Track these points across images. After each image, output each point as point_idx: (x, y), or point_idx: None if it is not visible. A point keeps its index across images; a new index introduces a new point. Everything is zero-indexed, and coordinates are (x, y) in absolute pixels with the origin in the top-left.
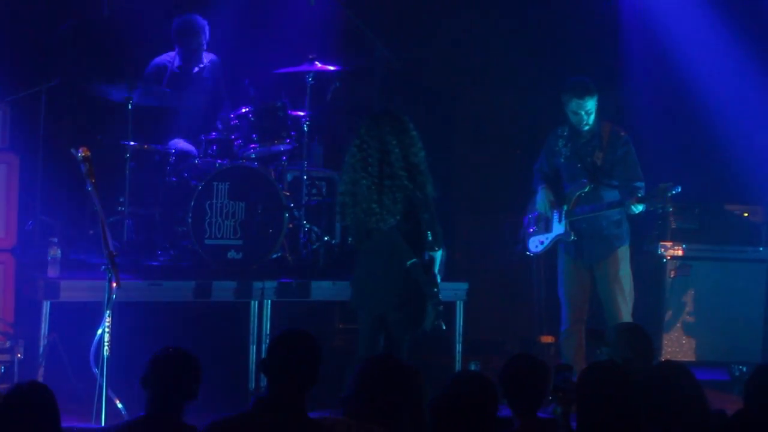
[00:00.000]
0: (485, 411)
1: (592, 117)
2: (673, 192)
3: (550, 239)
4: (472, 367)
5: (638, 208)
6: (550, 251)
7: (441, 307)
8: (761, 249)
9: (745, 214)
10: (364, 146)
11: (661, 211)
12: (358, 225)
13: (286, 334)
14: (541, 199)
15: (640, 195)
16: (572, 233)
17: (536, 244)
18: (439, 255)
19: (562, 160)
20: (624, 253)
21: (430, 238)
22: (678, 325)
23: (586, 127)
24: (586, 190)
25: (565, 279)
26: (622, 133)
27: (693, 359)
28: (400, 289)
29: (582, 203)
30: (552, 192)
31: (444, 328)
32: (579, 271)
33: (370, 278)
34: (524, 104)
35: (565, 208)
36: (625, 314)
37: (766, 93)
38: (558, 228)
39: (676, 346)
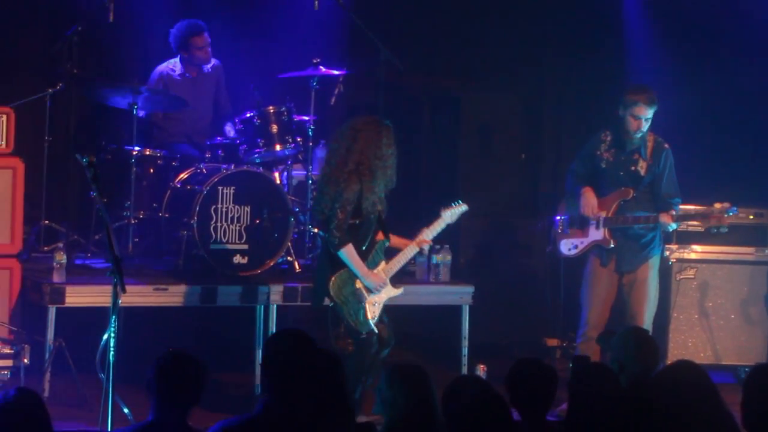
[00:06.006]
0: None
1: (647, 126)
2: (730, 213)
3: (586, 244)
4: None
5: (672, 226)
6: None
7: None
8: (767, 251)
9: (751, 217)
10: (334, 143)
11: (715, 231)
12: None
13: (277, 337)
14: (586, 200)
15: (672, 210)
16: (612, 240)
17: (569, 247)
18: (340, 254)
19: (604, 166)
20: (655, 261)
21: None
22: (684, 327)
23: (639, 134)
24: (629, 198)
25: (593, 283)
26: (666, 145)
27: (699, 361)
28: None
29: (623, 211)
30: (594, 194)
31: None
32: (608, 277)
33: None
34: (529, 108)
35: (603, 214)
36: (647, 321)
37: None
38: (596, 234)
39: (682, 348)
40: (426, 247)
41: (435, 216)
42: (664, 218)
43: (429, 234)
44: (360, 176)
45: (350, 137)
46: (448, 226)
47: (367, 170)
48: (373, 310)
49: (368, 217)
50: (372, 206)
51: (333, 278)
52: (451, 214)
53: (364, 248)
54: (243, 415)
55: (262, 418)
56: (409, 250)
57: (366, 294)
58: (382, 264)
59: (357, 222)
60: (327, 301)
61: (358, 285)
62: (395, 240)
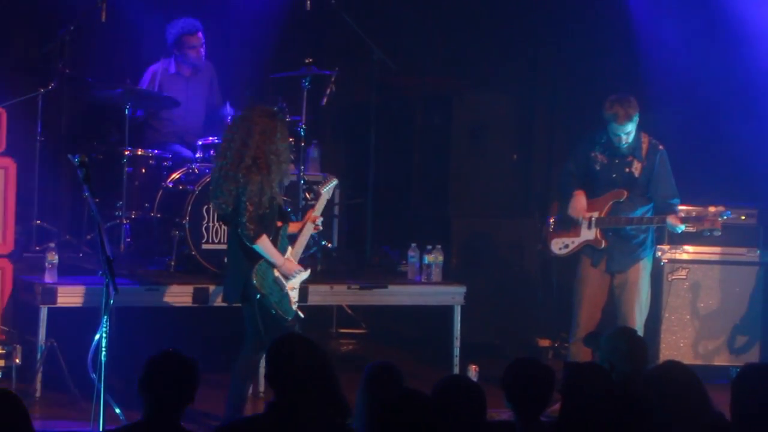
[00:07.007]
0: (469, 416)
1: (632, 135)
2: (724, 217)
3: (577, 243)
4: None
5: (680, 228)
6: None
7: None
8: (758, 251)
9: (743, 217)
10: (228, 134)
11: (709, 234)
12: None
13: (284, 340)
14: (575, 203)
15: (678, 212)
16: (603, 241)
17: (560, 246)
18: (256, 247)
19: (598, 168)
20: (647, 263)
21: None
22: (675, 327)
23: (626, 145)
24: (622, 200)
25: (585, 284)
26: (660, 147)
27: (690, 362)
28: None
29: (616, 212)
30: (585, 197)
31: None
32: (599, 278)
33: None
34: (521, 108)
35: (596, 214)
36: (639, 323)
37: (760, 97)
38: (587, 234)
39: (674, 348)
40: (319, 222)
41: (317, 195)
42: (672, 220)
43: (317, 210)
44: (258, 170)
45: (245, 130)
46: (329, 201)
47: (263, 165)
48: (293, 295)
49: (270, 207)
50: (271, 199)
51: (254, 271)
52: (327, 189)
53: (271, 238)
54: (248, 415)
55: (267, 418)
56: (307, 230)
57: (284, 281)
58: (290, 249)
59: (260, 213)
60: (257, 294)
61: (276, 273)
62: (291, 225)
